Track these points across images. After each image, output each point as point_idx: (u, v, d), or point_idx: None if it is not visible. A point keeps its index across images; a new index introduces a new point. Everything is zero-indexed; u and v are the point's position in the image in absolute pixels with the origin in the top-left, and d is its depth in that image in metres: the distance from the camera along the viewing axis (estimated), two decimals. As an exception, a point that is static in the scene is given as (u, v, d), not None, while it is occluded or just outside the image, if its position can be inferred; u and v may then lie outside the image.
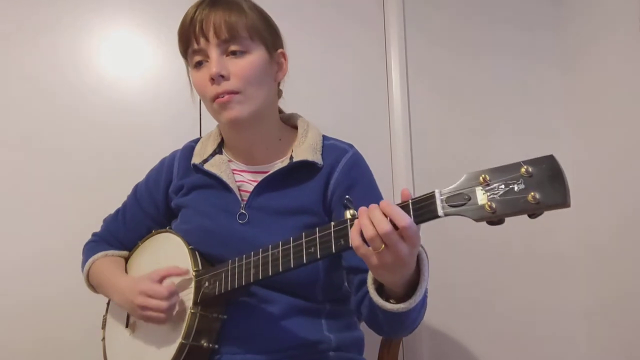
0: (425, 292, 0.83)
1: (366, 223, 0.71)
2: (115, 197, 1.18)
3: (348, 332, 1.05)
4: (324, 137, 1.06)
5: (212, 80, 0.94)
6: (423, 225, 1.58)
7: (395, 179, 1.59)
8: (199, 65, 0.98)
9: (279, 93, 1.11)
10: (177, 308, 0.97)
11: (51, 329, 1.41)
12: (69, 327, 1.41)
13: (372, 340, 1.17)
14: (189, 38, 0.96)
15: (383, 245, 0.70)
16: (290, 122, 1.11)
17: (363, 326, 1.14)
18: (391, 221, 0.71)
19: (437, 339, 1.55)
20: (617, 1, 1.46)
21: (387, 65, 1.64)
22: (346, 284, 1.10)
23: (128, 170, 1.34)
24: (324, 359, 1.00)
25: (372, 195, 1.00)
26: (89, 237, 1.18)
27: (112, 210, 1.19)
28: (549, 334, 1.60)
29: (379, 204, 0.73)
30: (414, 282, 0.79)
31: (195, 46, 0.96)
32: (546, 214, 1.70)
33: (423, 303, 0.84)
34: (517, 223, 1.61)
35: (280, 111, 1.13)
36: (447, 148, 1.63)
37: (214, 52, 0.94)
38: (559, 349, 1.59)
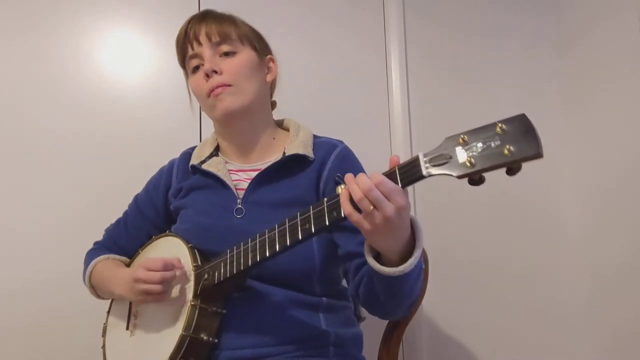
0: (421, 263, 0.85)
1: (354, 187, 0.76)
2: (115, 195, 1.21)
3: (346, 328, 1.06)
4: (315, 136, 1.12)
5: (207, 76, 1.03)
6: (425, 215, 1.59)
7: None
8: (196, 70, 1.07)
9: (273, 104, 1.19)
10: (175, 294, 0.99)
11: (50, 330, 1.41)
12: (68, 330, 1.41)
13: (372, 340, 1.18)
14: (185, 46, 1.07)
15: (372, 207, 0.74)
16: (283, 126, 1.17)
17: (362, 325, 1.15)
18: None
19: (437, 337, 1.54)
20: (618, 10, 1.52)
21: (387, 66, 1.68)
22: (345, 281, 1.13)
23: (128, 172, 1.38)
24: (324, 354, 1.01)
25: None
26: (86, 234, 1.21)
27: (111, 208, 1.22)
28: (550, 331, 1.59)
29: None
30: (409, 251, 0.82)
31: (191, 51, 1.06)
32: (546, 210, 1.72)
33: (419, 273, 0.87)
34: (517, 222, 1.64)
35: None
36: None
37: (207, 53, 1.05)
38: (560, 346, 1.58)
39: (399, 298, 0.89)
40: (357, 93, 1.67)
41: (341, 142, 1.11)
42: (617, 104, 1.51)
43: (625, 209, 1.48)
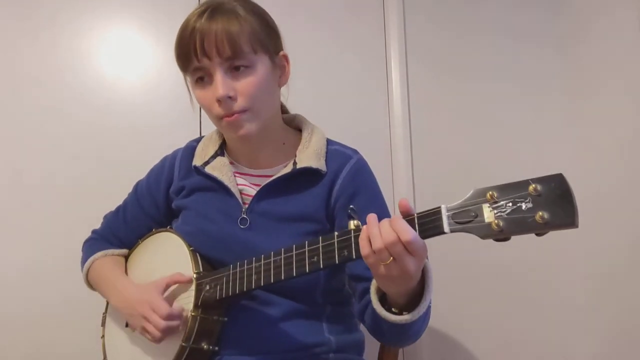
0: (429, 302, 0.82)
1: (375, 233, 0.71)
2: (114, 198, 1.18)
3: (348, 333, 1.06)
4: (329, 142, 1.04)
5: (219, 101, 0.91)
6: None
7: (396, 180, 1.58)
8: (201, 80, 0.94)
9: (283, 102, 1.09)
10: (176, 299, 0.97)
11: (50, 328, 1.41)
12: (68, 326, 1.41)
13: (372, 342, 1.17)
14: (189, 55, 0.92)
15: (391, 258, 0.70)
16: (293, 124, 1.09)
17: (363, 327, 1.15)
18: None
19: (437, 340, 1.56)
20: (618, 8, 1.47)
21: (387, 65, 1.63)
22: (348, 288, 1.11)
23: (127, 171, 1.32)
24: (324, 360, 1.01)
25: (375, 203, 0.99)
26: (85, 231, 1.18)
27: (110, 205, 1.19)
28: (550, 331, 1.61)
29: (386, 216, 0.74)
30: (417, 292, 0.79)
31: (197, 64, 0.92)
32: None
33: (426, 314, 0.84)
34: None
35: (284, 111, 1.12)
36: (448, 148, 1.62)
37: (218, 73, 0.91)
38: (560, 346, 1.60)
39: (404, 339, 0.87)
40: (357, 94, 1.62)
41: (356, 152, 1.04)
42: (619, 100, 1.47)
43: (625, 207, 1.45)
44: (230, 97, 0.91)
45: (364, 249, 0.72)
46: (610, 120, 1.50)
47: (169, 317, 0.92)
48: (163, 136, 1.48)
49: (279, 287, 0.97)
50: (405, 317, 0.78)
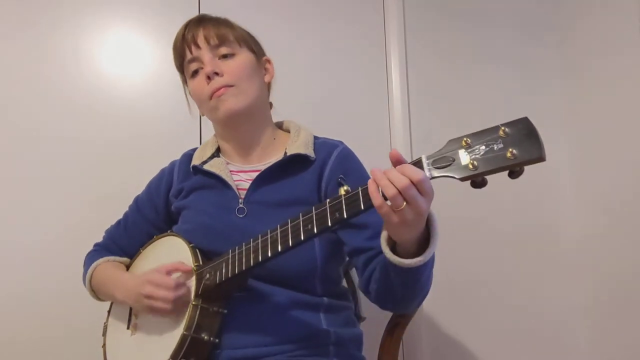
0: (436, 243, 0.83)
1: (386, 183, 0.73)
2: (115, 195, 1.22)
3: (347, 327, 1.07)
4: (315, 137, 1.12)
5: (208, 79, 1.04)
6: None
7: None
8: (195, 74, 1.08)
9: (270, 105, 1.19)
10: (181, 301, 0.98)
11: (50, 330, 1.41)
12: (68, 329, 1.41)
13: (371, 340, 1.18)
14: (183, 51, 1.08)
15: (404, 203, 0.73)
16: (283, 128, 1.18)
17: (362, 325, 1.16)
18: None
19: (437, 337, 1.55)
20: (617, 3, 1.53)
21: (387, 66, 1.69)
22: (345, 281, 1.13)
23: (127, 172, 1.38)
24: (324, 353, 1.01)
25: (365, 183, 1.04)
26: (85, 233, 1.21)
27: (110, 210, 1.22)
28: (550, 332, 1.59)
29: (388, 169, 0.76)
30: (423, 240, 0.81)
31: (189, 55, 1.07)
32: (546, 210, 1.73)
33: (434, 261, 0.86)
34: (518, 223, 1.65)
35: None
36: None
37: (206, 56, 1.05)
38: (560, 346, 1.58)
39: (417, 288, 0.88)
40: (357, 91, 1.68)
41: (341, 142, 1.11)
42: (618, 96, 1.52)
43: (626, 210, 1.48)
44: (216, 74, 1.04)
45: (376, 200, 0.74)
46: (612, 117, 1.53)
47: (176, 287, 0.95)
48: (163, 138, 1.52)
49: (278, 276, 1.00)
50: (419, 259, 0.79)
